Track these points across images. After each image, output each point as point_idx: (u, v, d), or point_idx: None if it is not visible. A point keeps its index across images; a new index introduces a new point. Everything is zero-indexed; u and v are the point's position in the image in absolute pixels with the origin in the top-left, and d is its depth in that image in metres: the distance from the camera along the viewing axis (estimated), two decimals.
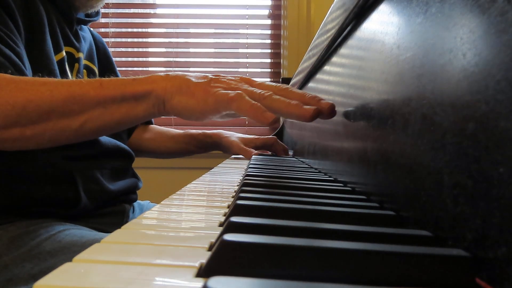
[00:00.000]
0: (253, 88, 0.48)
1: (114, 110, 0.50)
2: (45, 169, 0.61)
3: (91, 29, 0.86)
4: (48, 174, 0.62)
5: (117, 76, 0.86)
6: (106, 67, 0.85)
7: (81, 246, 0.55)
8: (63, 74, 0.68)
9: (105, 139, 0.71)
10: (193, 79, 0.49)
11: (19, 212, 0.62)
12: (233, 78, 0.50)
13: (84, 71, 0.77)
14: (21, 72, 0.54)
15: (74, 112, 0.49)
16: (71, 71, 0.72)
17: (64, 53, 0.69)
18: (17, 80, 0.49)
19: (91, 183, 0.68)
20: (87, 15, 0.78)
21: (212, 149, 1.05)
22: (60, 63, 0.68)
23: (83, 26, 0.79)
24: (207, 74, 0.50)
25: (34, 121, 0.48)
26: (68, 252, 0.54)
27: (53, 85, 0.49)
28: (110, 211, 0.74)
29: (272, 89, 0.47)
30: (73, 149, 0.62)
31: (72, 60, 0.72)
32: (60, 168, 0.63)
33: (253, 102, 0.44)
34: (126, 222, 0.75)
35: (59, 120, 0.49)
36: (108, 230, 0.69)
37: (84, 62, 0.77)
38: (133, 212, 0.84)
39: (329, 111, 0.44)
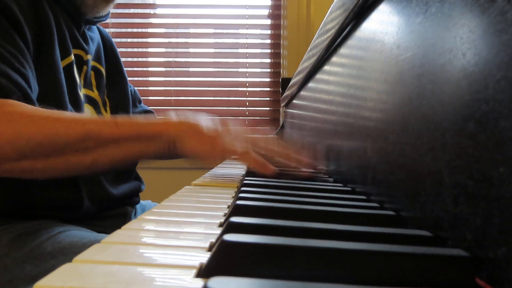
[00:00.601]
0: (257, 144, 0.55)
1: (127, 148, 0.52)
2: None
3: (101, 28, 0.85)
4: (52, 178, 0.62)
5: (124, 76, 0.85)
6: (114, 66, 0.83)
7: (81, 246, 0.54)
8: (70, 79, 0.67)
9: None
10: (204, 126, 0.53)
11: (21, 214, 0.62)
12: (238, 129, 0.56)
13: (92, 72, 0.76)
14: (28, 97, 0.55)
15: (88, 148, 0.51)
16: (79, 74, 0.72)
17: (72, 57, 0.68)
18: (30, 114, 0.50)
19: (94, 187, 0.67)
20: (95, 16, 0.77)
21: None
22: (68, 67, 0.67)
23: (91, 25, 0.78)
24: (215, 120, 0.56)
25: (47, 155, 0.50)
26: (68, 253, 0.54)
27: (67, 122, 0.51)
28: (113, 214, 0.73)
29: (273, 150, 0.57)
30: None
31: (81, 62, 0.72)
32: None
33: (257, 157, 0.52)
34: None
35: (72, 155, 0.50)
36: (110, 232, 0.69)
37: (91, 63, 0.76)
38: (135, 214, 0.83)
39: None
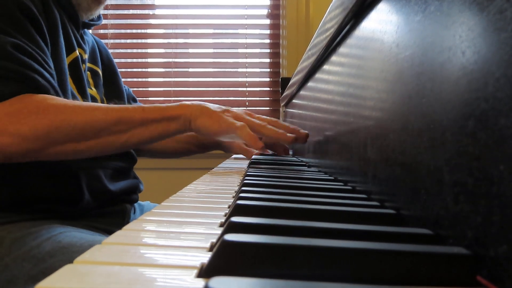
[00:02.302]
0: (254, 120, 0.66)
1: (153, 129, 0.62)
2: (51, 166, 0.65)
3: (94, 35, 0.90)
4: (53, 171, 0.65)
5: (118, 77, 0.91)
6: (109, 68, 0.89)
7: (80, 246, 0.57)
8: (77, 73, 0.72)
9: None
10: (212, 108, 0.65)
11: (23, 208, 0.64)
12: (240, 111, 0.68)
13: (88, 73, 0.79)
14: (58, 93, 0.62)
15: (122, 131, 0.61)
16: None
17: (77, 53, 0.73)
18: (72, 105, 0.59)
19: (94, 181, 0.70)
20: (90, 19, 0.82)
21: (213, 149, 1.06)
22: (75, 62, 0.72)
23: (86, 30, 0.83)
24: (221, 106, 0.67)
25: (88, 138, 0.59)
26: (67, 252, 0.56)
27: (104, 110, 0.61)
28: (112, 210, 0.76)
29: (266, 121, 0.67)
30: None
31: (82, 60, 0.76)
32: (65, 165, 0.66)
33: (251, 132, 0.62)
34: (127, 221, 0.77)
35: (108, 137, 0.60)
36: (110, 229, 0.73)
37: (88, 64, 0.80)
38: (134, 212, 0.84)
39: (304, 139, 0.68)
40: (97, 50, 0.86)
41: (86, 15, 0.77)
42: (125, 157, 0.80)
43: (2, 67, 0.56)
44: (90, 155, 0.62)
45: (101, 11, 0.84)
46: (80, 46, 0.76)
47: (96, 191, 0.70)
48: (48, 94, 0.59)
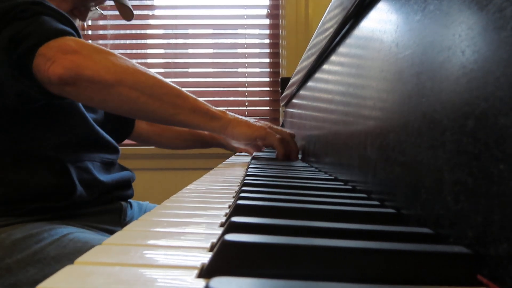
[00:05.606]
0: (284, 130, 0.82)
1: (196, 116, 0.71)
2: (39, 160, 0.67)
3: None
4: (43, 164, 0.67)
5: None
6: None
7: (86, 251, 0.56)
8: None
9: (91, 131, 0.75)
10: (245, 119, 0.77)
11: (17, 207, 0.64)
12: (263, 123, 0.81)
13: None
14: None
15: (176, 105, 0.69)
16: None
17: None
18: (146, 70, 0.68)
19: (84, 173, 0.72)
20: None
21: (214, 146, 1.14)
22: None
23: None
24: (248, 119, 0.78)
25: (151, 94, 0.66)
26: (73, 258, 0.55)
27: (168, 83, 0.70)
28: (108, 209, 0.76)
29: (291, 135, 0.84)
30: (61, 137, 0.70)
31: None
32: (54, 158, 0.68)
33: (284, 150, 0.80)
34: (124, 219, 0.77)
35: (165, 104, 0.68)
36: (107, 228, 0.73)
37: None
38: (131, 208, 0.84)
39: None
40: None
41: None
42: (109, 149, 0.81)
43: (61, 13, 0.65)
44: (139, 111, 0.69)
45: (100, 11, 0.84)
46: None
47: (88, 182, 0.72)
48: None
